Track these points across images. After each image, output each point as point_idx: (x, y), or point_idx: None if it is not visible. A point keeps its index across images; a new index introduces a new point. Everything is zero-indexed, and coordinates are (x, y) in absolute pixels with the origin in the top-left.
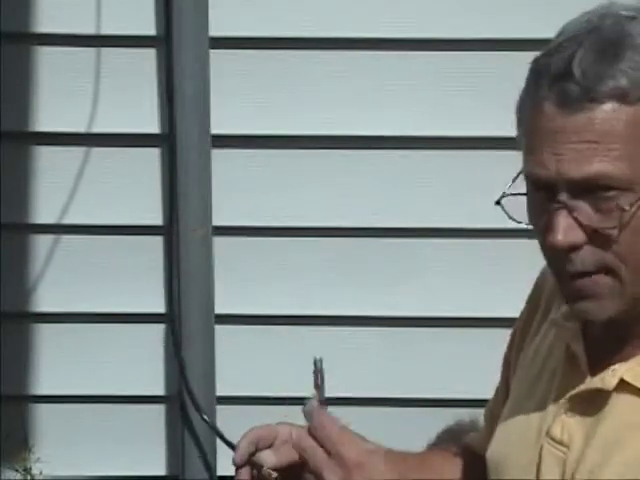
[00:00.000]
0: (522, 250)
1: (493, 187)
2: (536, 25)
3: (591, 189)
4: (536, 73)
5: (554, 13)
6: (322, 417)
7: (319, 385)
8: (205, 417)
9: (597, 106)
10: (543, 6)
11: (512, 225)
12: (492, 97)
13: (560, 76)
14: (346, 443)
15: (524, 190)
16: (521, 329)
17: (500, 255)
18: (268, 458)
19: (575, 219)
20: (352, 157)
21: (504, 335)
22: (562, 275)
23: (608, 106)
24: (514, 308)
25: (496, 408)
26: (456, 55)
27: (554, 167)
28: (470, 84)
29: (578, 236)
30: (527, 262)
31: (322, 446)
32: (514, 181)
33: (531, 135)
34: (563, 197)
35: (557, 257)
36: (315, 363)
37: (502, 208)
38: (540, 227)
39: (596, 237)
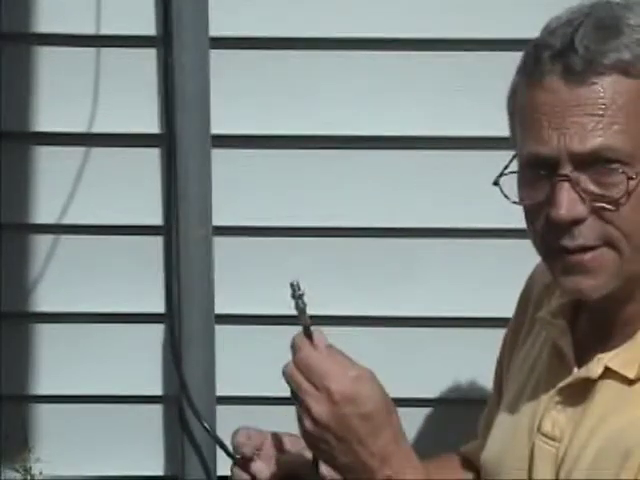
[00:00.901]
0: (522, 250)
1: (493, 187)
2: (536, 25)
3: (593, 162)
4: (534, 52)
5: (554, 13)
6: (305, 351)
7: (302, 309)
8: (206, 425)
9: (601, 79)
10: (543, 6)
11: (512, 225)
12: (492, 97)
13: (563, 50)
14: (332, 376)
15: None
16: (511, 335)
17: (500, 255)
18: (262, 471)
19: (578, 193)
20: (352, 157)
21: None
22: (558, 250)
23: (611, 79)
24: (514, 308)
25: (490, 418)
26: (456, 55)
27: (556, 142)
28: (470, 84)
29: (581, 209)
30: (527, 262)
31: (307, 378)
32: (509, 164)
33: (530, 114)
34: (566, 171)
35: (557, 231)
36: (292, 287)
37: (500, 189)
38: (531, 207)
39: (598, 210)
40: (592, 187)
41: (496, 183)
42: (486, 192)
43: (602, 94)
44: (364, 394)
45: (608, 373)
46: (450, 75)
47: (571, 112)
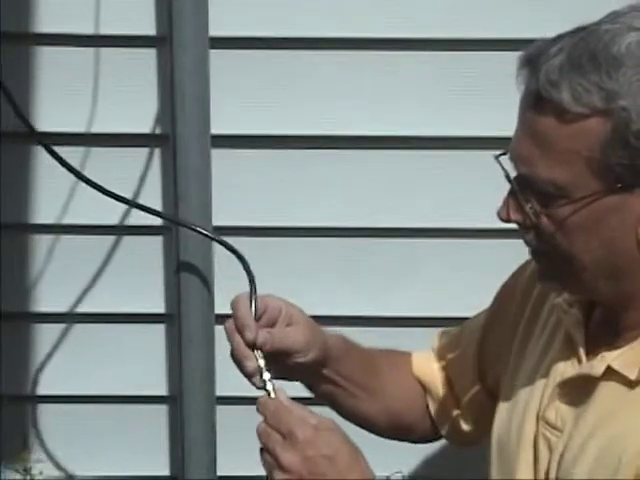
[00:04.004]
0: (523, 250)
1: (493, 187)
2: (536, 25)
3: (525, 185)
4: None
5: (554, 13)
6: (273, 406)
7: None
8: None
9: (539, 114)
10: (543, 6)
11: (512, 225)
12: (492, 97)
13: (528, 62)
14: (295, 423)
15: None
16: (517, 303)
17: (500, 255)
18: (264, 339)
19: (520, 203)
20: (352, 157)
21: None
22: None
23: (549, 120)
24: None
25: (469, 331)
26: (456, 55)
27: (512, 146)
28: (470, 84)
29: (517, 217)
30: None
31: (276, 429)
32: None
33: None
34: (514, 180)
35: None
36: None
37: (499, 163)
38: None
39: (535, 226)
40: (530, 204)
41: (496, 158)
42: (486, 192)
43: (539, 128)
44: (324, 438)
45: (610, 372)
46: (450, 75)
47: (522, 130)
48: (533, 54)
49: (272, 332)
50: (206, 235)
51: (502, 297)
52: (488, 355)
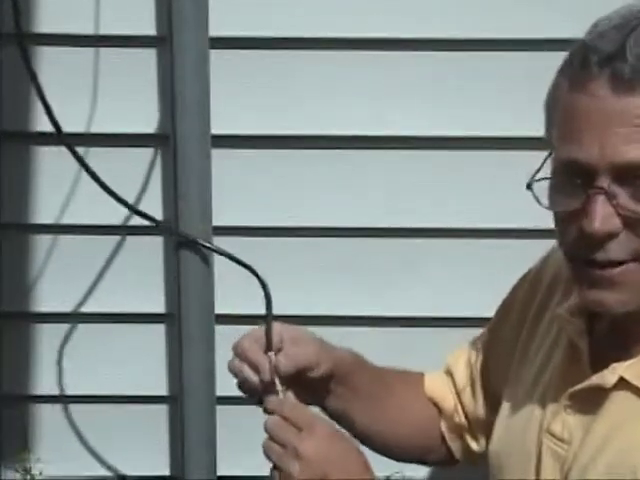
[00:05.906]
0: (523, 250)
1: (493, 187)
2: (536, 25)
3: (632, 176)
4: (582, 55)
5: (554, 13)
6: (289, 403)
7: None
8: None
9: None
10: (543, 6)
11: (512, 225)
12: (492, 97)
13: (613, 56)
14: (314, 418)
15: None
16: (518, 311)
17: (500, 255)
18: (282, 362)
19: (614, 206)
20: (352, 157)
21: None
22: (586, 262)
23: None
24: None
25: (475, 351)
26: (456, 55)
27: (596, 151)
28: (470, 84)
29: (615, 224)
30: (526, 262)
31: (293, 423)
32: (540, 168)
33: (572, 119)
34: (603, 183)
35: (588, 243)
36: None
37: (532, 193)
38: (563, 214)
39: (633, 225)
40: (628, 202)
41: (529, 187)
42: (486, 192)
43: None
44: (342, 439)
45: (622, 383)
46: (450, 75)
47: (615, 121)
48: (606, 50)
49: (285, 354)
50: (229, 256)
51: (500, 316)
52: (490, 375)
